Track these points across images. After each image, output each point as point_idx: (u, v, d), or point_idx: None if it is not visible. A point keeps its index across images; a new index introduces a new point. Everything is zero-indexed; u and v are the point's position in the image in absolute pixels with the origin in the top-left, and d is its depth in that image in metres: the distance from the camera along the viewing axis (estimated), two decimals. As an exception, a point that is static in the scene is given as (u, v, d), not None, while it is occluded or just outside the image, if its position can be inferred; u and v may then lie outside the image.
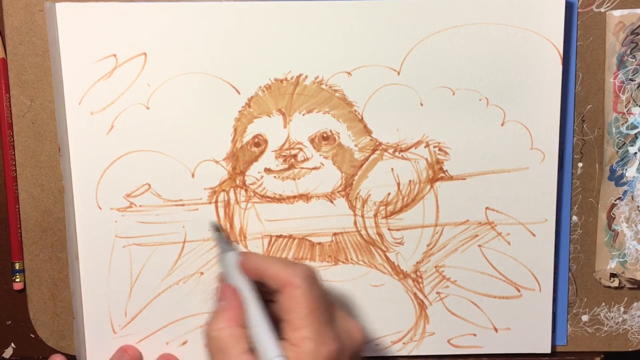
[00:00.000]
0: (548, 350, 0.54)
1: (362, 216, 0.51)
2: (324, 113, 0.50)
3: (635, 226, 0.52)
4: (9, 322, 0.54)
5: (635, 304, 0.54)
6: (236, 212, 0.51)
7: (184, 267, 0.51)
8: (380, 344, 0.53)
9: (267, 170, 0.51)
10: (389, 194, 0.51)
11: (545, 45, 0.50)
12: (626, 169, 0.52)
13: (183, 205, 0.51)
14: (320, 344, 0.39)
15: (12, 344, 0.54)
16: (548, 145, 0.51)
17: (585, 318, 0.55)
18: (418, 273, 0.52)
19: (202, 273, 0.52)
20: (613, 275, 0.53)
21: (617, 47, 0.51)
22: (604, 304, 0.55)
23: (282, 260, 0.43)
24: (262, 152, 0.51)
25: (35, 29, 0.50)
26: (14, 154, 0.51)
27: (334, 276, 0.52)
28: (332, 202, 0.51)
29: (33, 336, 0.54)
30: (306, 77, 0.50)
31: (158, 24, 0.49)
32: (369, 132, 0.51)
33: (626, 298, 0.54)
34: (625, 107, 0.51)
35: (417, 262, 0.52)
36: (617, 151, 0.52)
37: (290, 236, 0.51)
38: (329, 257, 0.52)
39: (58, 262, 0.52)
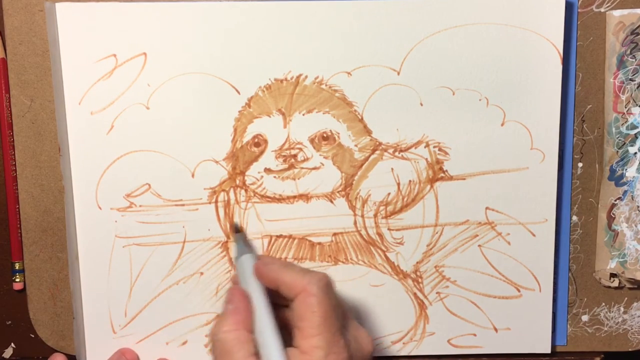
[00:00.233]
0: (548, 350, 0.54)
1: (362, 216, 0.51)
2: (324, 113, 0.50)
3: (635, 226, 0.52)
4: (9, 322, 0.54)
5: (635, 304, 0.54)
6: (236, 212, 0.51)
7: (184, 267, 0.51)
8: (380, 344, 0.53)
9: (267, 170, 0.51)
10: (389, 194, 0.51)
11: (545, 45, 0.50)
12: (626, 169, 0.52)
13: (183, 205, 0.51)
14: (330, 354, 0.39)
15: (12, 344, 0.54)
16: (548, 145, 0.51)
17: (585, 318, 0.55)
18: (418, 273, 0.52)
19: (202, 273, 0.52)
20: (613, 275, 0.53)
21: (617, 47, 0.51)
22: (604, 304, 0.55)
23: (299, 268, 0.43)
24: (262, 152, 0.51)
25: (35, 29, 0.50)
26: (14, 154, 0.51)
27: (334, 276, 0.51)
28: (332, 202, 0.51)
29: (33, 336, 0.54)
30: (306, 77, 0.50)
31: (158, 24, 0.49)
32: (369, 132, 0.51)
33: (626, 298, 0.54)
34: (625, 107, 0.51)
35: (417, 262, 0.52)
36: (617, 151, 0.52)
37: (290, 236, 0.51)
38: (328, 257, 0.52)
39: (58, 262, 0.52)
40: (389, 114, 0.50)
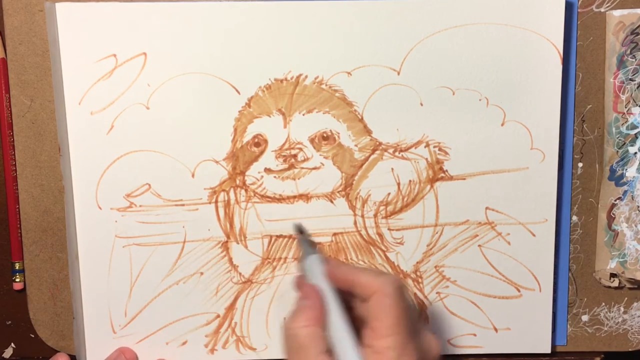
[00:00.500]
0: (548, 350, 0.54)
1: (362, 216, 0.51)
2: (324, 113, 0.50)
3: (635, 226, 0.52)
4: (9, 322, 0.54)
5: (635, 304, 0.54)
6: (236, 212, 0.51)
7: (184, 267, 0.51)
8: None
9: (267, 170, 0.51)
10: (389, 194, 0.51)
11: (545, 45, 0.50)
12: (626, 169, 0.52)
13: (183, 205, 0.51)
14: (402, 355, 0.39)
15: (12, 344, 0.54)
16: (548, 145, 0.51)
17: (585, 318, 0.55)
18: (418, 273, 0.52)
19: (202, 273, 0.52)
20: (613, 275, 0.53)
21: (617, 47, 0.51)
22: (604, 304, 0.55)
23: (372, 269, 0.43)
24: (262, 152, 0.51)
25: (35, 29, 0.50)
26: (14, 154, 0.51)
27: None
28: (332, 202, 0.51)
29: (33, 336, 0.54)
30: (306, 77, 0.50)
31: (158, 24, 0.49)
32: (369, 132, 0.51)
33: (626, 298, 0.54)
34: (625, 107, 0.51)
35: (417, 262, 0.52)
36: (617, 151, 0.52)
37: (290, 236, 0.51)
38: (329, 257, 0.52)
39: (58, 262, 0.52)
40: (389, 114, 0.50)
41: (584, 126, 0.52)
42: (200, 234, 0.51)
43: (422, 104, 0.50)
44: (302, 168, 0.51)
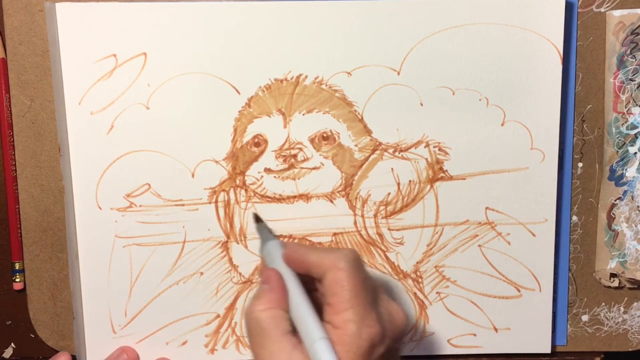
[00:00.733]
0: (548, 350, 0.54)
1: (362, 216, 0.51)
2: (324, 113, 0.50)
3: (635, 226, 0.52)
4: (9, 322, 0.54)
5: (635, 304, 0.54)
6: (236, 212, 0.51)
7: (184, 267, 0.51)
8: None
9: (267, 170, 0.51)
10: (389, 194, 0.51)
11: (545, 45, 0.50)
12: (626, 169, 0.52)
13: (183, 205, 0.51)
14: (363, 327, 0.39)
15: (12, 344, 0.54)
16: (548, 145, 0.51)
17: (585, 318, 0.55)
18: (418, 273, 0.52)
19: (202, 273, 0.52)
20: (613, 275, 0.53)
21: (617, 47, 0.51)
22: (604, 304, 0.55)
23: (326, 248, 0.43)
24: (262, 152, 0.51)
25: (35, 29, 0.50)
26: (14, 154, 0.51)
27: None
28: (332, 202, 0.51)
29: (33, 336, 0.54)
30: (306, 77, 0.50)
31: (158, 24, 0.49)
32: (369, 132, 0.51)
33: (626, 298, 0.54)
34: (625, 107, 0.51)
35: (417, 262, 0.52)
36: (617, 151, 0.52)
37: (290, 236, 0.51)
38: (329, 257, 0.52)
39: (58, 262, 0.52)
40: (389, 114, 0.50)
41: (584, 126, 0.52)
42: (200, 234, 0.51)
43: (422, 104, 0.50)
44: (302, 168, 0.51)
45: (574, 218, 0.53)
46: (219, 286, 0.52)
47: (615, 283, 0.53)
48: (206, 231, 0.51)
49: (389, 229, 0.52)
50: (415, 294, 0.53)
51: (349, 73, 0.50)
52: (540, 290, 0.53)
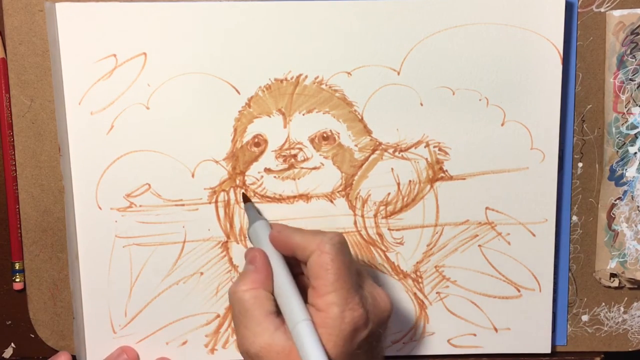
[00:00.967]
0: (548, 350, 0.54)
1: (362, 216, 0.51)
2: (324, 113, 0.50)
3: (635, 226, 0.52)
4: (9, 322, 0.54)
5: (635, 304, 0.54)
6: (236, 212, 0.51)
7: (184, 267, 0.51)
8: (380, 344, 0.53)
9: (267, 170, 0.51)
10: (389, 194, 0.51)
11: (545, 45, 0.50)
12: (626, 169, 0.52)
13: (183, 205, 0.51)
14: (346, 310, 0.39)
15: (12, 344, 0.54)
16: (548, 145, 0.51)
17: (585, 318, 0.55)
18: (418, 273, 0.52)
19: (202, 273, 0.52)
20: (613, 275, 0.53)
21: (617, 47, 0.51)
22: (604, 304, 0.55)
23: (312, 230, 0.43)
24: (262, 152, 0.51)
25: (35, 29, 0.50)
26: (14, 154, 0.51)
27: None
28: (332, 202, 0.51)
29: (33, 336, 0.54)
30: (306, 77, 0.50)
31: (158, 24, 0.49)
32: (369, 132, 0.51)
33: (626, 298, 0.54)
34: (625, 107, 0.51)
35: (417, 262, 0.52)
36: (617, 151, 0.52)
37: (290, 236, 0.51)
38: (329, 257, 0.52)
39: (58, 262, 0.52)
40: (389, 114, 0.50)
41: (584, 126, 0.52)
42: (200, 234, 0.51)
43: (422, 104, 0.50)
44: (302, 168, 0.51)
45: (574, 218, 0.53)
46: (219, 286, 0.52)
47: (615, 283, 0.53)
48: (206, 231, 0.51)
49: (389, 229, 0.52)
50: (415, 294, 0.53)
51: (349, 73, 0.50)
52: (540, 290, 0.53)
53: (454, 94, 0.50)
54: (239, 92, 0.50)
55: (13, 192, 0.52)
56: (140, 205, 0.51)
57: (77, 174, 0.50)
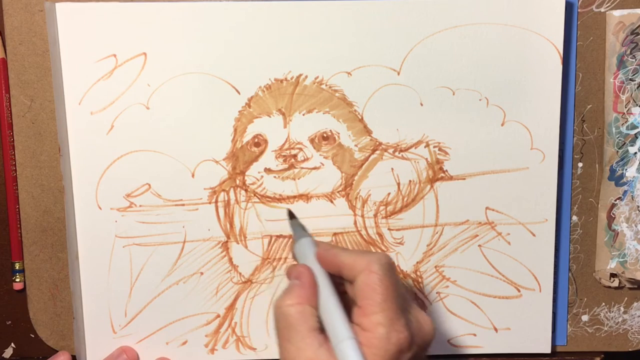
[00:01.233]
0: (548, 350, 0.54)
1: (362, 216, 0.51)
2: (324, 113, 0.50)
3: (635, 226, 0.53)
4: (9, 322, 0.54)
5: (635, 304, 0.54)
6: (236, 212, 0.51)
7: (184, 267, 0.51)
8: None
9: (267, 170, 0.51)
10: (389, 194, 0.51)
11: (545, 45, 0.50)
12: (626, 169, 0.52)
13: (183, 205, 0.51)
14: (392, 331, 0.39)
15: (12, 344, 0.54)
16: (548, 145, 0.51)
17: (585, 318, 0.55)
18: (418, 273, 0.52)
19: (202, 273, 0.52)
20: (613, 275, 0.53)
21: (617, 47, 0.51)
22: (604, 304, 0.55)
23: (359, 250, 0.43)
24: (262, 152, 0.51)
25: (35, 29, 0.50)
26: (14, 154, 0.51)
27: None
28: (332, 202, 0.51)
29: (33, 336, 0.54)
30: (306, 77, 0.50)
31: (158, 24, 0.49)
32: (369, 132, 0.51)
33: (626, 298, 0.54)
34: (625, 107, 0.51)
35: (417, 262, 0.52)
36: (617, 151, 0.52)
37: (290, 236, 0.51)
38: (329, 257, 0.52)
39: (58, 262, 0.52)
40: (389, 114, 0.50)
41: (584, 126, 0.52)
42: (200, 234, 0.51)
43: (422, 104, 0.50)
44: (302, 168, 0.51)
45: (574, 218, 0.53)
46: (219, 286, 0.52)
47: (615, 283, 0.53)
48: (206, 231, 0.51)
49: (389, 229, 0.52)
50: (415, 294, 0.53)
51: (349, 73, 0.50)
52: (540, 290, 0.53)
53: (454, 94, 0.50)
54: (239, 92, 0.50)
55: (13, 192, 0.52)
56: (140, 205, 0.51)
57: (77, 174, 0.50)
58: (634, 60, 0.51)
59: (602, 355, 0.55)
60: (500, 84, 0.50)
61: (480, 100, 0.50)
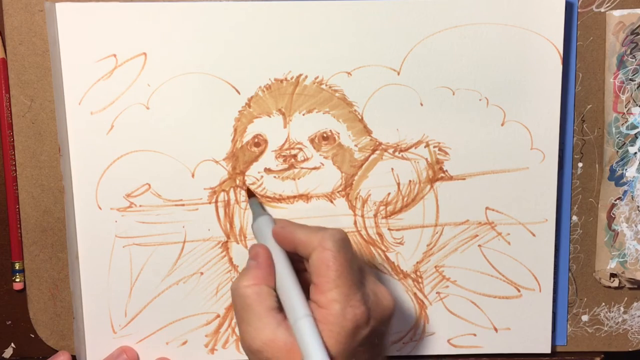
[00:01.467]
0: (548, 350, 0.54)
1: (362, 216, 0.51)
2: (324, 113, 0.50)
3: (635, 226, 0.52)
4: (9, 322, 0.54)
5: (635, 304, 0.54)
6: (236, 212, 0.51)
7: (184, 267, 0.51)
8: (380, 344, 0.53)
9: (267, 170, 0.51)
10: (389, 194, 0.51)
11: (545, 45, 0.50)
12: (626, 169, 0.52)
13: (183, 205, 0.51)
14: (347, 307, 0.39)
15: (12, 344, 0.54)
16: (548, 145, 0.51)
17: (585, 318, 0.55)
18: (418, 273, 0.52)
19: (202, 273, 0.52)
20: (613, 275, 0.53)
21: (617, 47, 0.51)
22: (604, 304, 0.55)
23: (314, 227, 0.43)
24: (262, 152, 0.51)
25: (35, 29, 0.50)
26: (14, 154, 0.51)
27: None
28: (332, 202, 0.51)
29: (33, 336, 0.54)
30: (306, 77, 0.50)
31: (158, 24, 0.49)
32: (369, 132, 0.51)
33: (626, 298, 0.54)
34: (625, 107, 0.51)
35: (417, 262, 0.52)
36: (617, 151, 0.52)
37: (290, 236, 0.51)
38: (329, 257, 0.52)
39: (58, 262, 0.52)
40: (389, 114, 0.50)
41: (584, 126, 0.53)
42: (200, 234, 0.51)
43: (422, 104, 0.50)
44: (302, 168, 0.51)
45: (574, 218, 0.53)
46: (219, 286, 0.52)
47: (615, 283, 0.53)
48: (206, 231, 0.51)
49: (389, 229, 0.52)
50: (415, 294, 0.53)
51: (349, 73, 0.50)
52: (540, 290, 0.53)
53: (454, 94, 0.50)
54: (239, 92, 0.50)
55: (13, 192, 0.52)
56: (140, 205, 0.51)
57: (77, 174, 0.50)
58: (634, 60, 0.51)
59: (602, 355, 0.55)
60: (500, 84, 0.50)
61: (480, 100, 0.50)
